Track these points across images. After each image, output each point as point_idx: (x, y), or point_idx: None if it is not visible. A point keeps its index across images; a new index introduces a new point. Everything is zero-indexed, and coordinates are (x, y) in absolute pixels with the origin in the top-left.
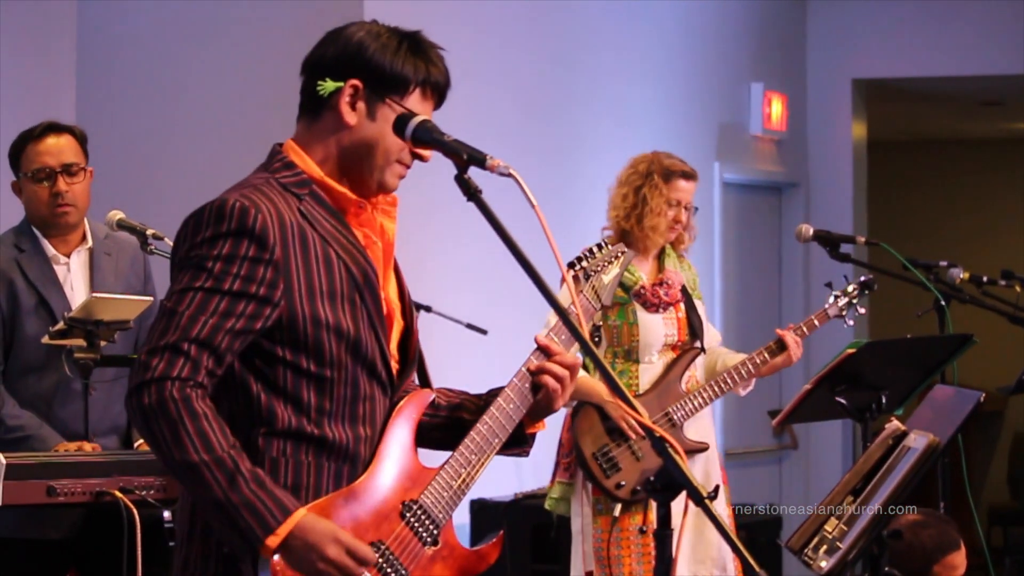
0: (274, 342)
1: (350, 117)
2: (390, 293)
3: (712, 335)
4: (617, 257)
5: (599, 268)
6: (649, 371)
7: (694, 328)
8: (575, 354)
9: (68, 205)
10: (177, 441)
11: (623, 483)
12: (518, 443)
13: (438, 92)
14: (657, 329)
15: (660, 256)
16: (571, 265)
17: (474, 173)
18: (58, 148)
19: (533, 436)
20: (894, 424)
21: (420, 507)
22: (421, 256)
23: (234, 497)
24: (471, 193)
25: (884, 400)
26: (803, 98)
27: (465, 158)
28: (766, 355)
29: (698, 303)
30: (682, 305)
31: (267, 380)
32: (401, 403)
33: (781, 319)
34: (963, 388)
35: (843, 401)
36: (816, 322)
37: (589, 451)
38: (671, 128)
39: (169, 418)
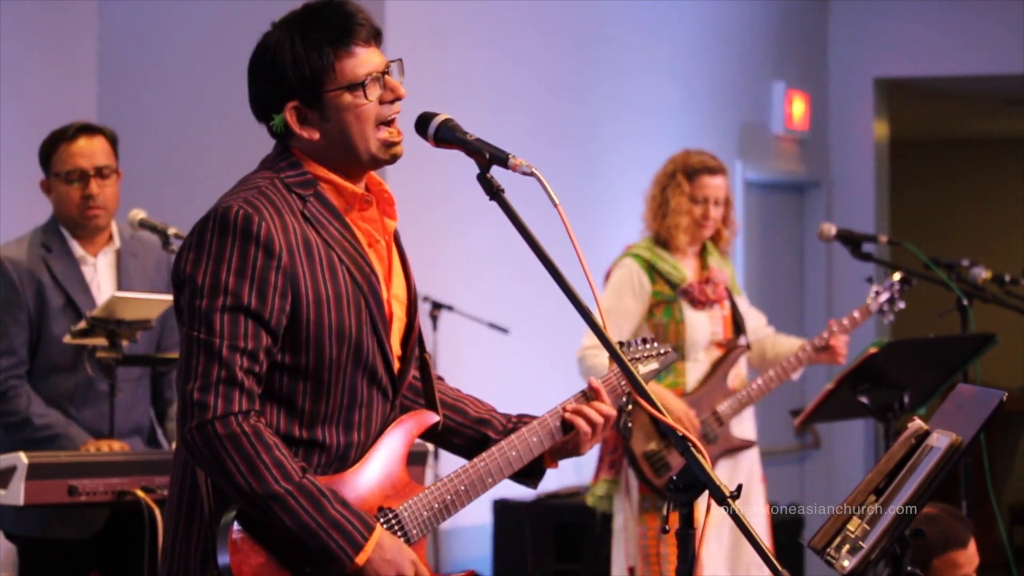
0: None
1: (309, 133)
2: (395, 290)
3: (756, 321)
4: (661, 355)
5: (640, 357)
6: (696, 369)
7: (739, 325)
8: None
9: (99, 208)
10: (256, 473)
11: None
12: (531, 475)
13: (361, 40)
14: (703, 327)
15: (703, 254)
16: (621, 344)
17: (496, 171)
18: (91, 150)
19: (544, 472)
20: (916, 423)
21: (396, 517)
22: (442, 255)
23: (322, 520)
24: (493, 192)
25: (906, 399)
26: (825, 97)
27: (487, 157)
28: (811, 352)
29: (739, 298)
30: (727, 302)
31: (263, 383)
32: (403, 416)
33: (803, 319)
34: (985, 387)
35: (865, 400)
36: (858, 317)
37: (640, 450)
38: (693, 127)
39: (244, 452)
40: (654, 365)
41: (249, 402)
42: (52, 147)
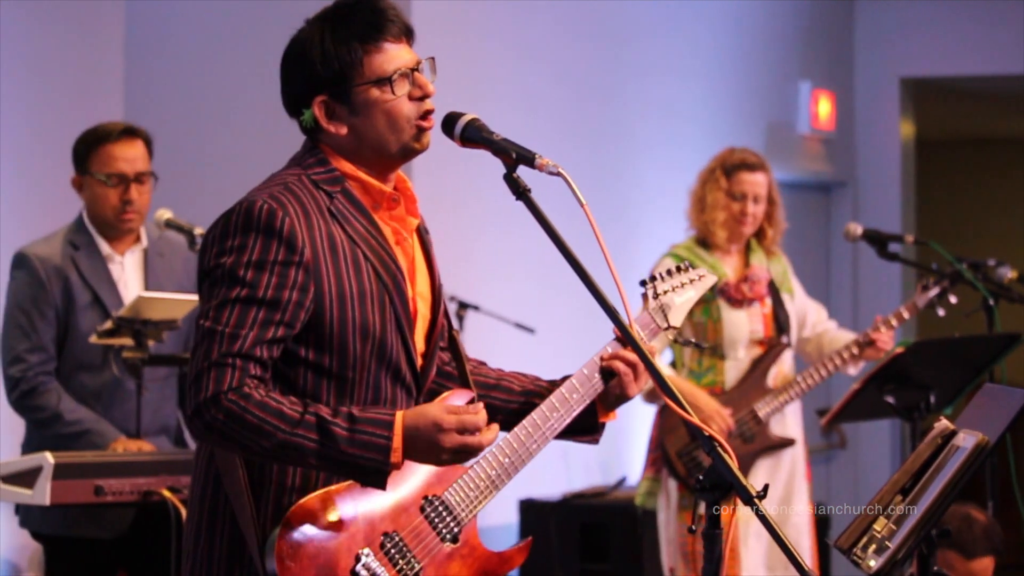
0: (298, 343)
1: (338, 128)
2: (419, 287)
3: (815, 315)
4: (696, 280)
5: (672, 288)
6: (735, 368)
7: (781, 323)
8: (652, 344)
9: (135, 212)
10: (261, 433)
11: None
12: (588, 431)
13: (391, 36)
14: (742, 325)
15: (747, 252)
16: (643, 283)
17: (523, 171)
18: (133, 154)
19: (603, 425)
20: (943, 423)
21: (442, 503)
22: (469, 255)
23: (340, 446)
24: (520, 192)
25: (932, 399)
26: (851, 97)
27: (514, 157)
28: (855, 351)
29: (787, 296)
30: (768, 300)
31: (287, 381)
32: (440, 398)
33: (829, 316)
34: (1011, 387)
35: (892, 400)
36: (905, 313)
37: (674, 449)
38: (719, 126)
39: (243, 421)
40: (691, 293)
41: (240, 377)
42: (92, 146)
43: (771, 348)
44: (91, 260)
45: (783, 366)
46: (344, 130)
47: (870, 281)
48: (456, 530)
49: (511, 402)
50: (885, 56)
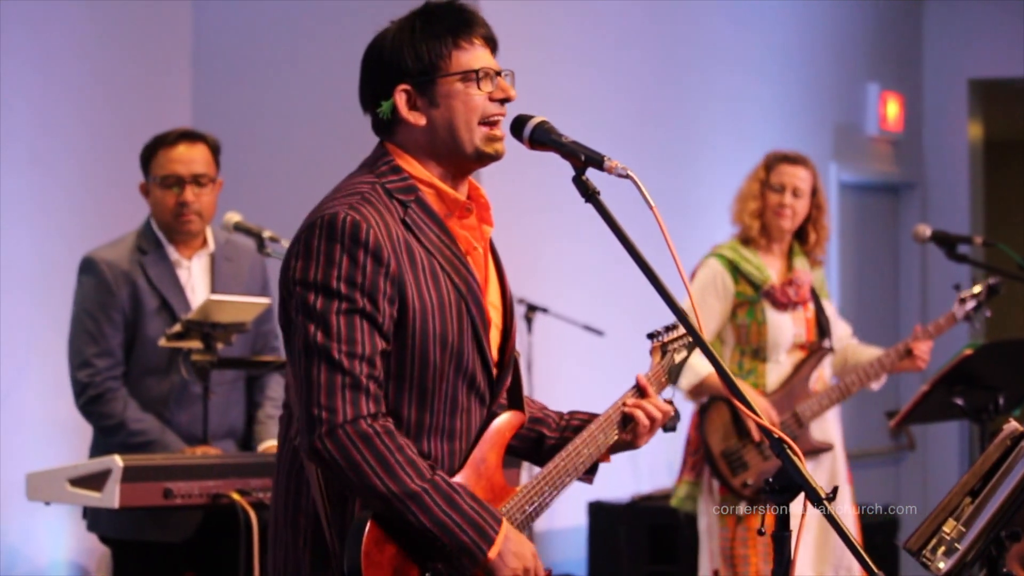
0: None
1: (417, 118)
2: (491, 296)
3: (842, 328)
4: (685, 340)
5: (674, 348)
6: (777, 370)
7: (823, 328)
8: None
9: (193, 214)
10: (391, 473)
11: (749, 482)
12: (588, 471)
13: (480, 37)
14: (786, 328)
15: (789, 255)
16: (651, 336)
17: (591, 173)
18: (190, 157)
19: (598, 467)
20: (1012, 425)
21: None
22: (537, 258)
23: (456, 516)
24: (589, 195)
25: (1001, 401)
26: (919, 98)
27: (583, 159)
28: (895, 357)
29: (826, 303)
30: (811, 305)
31: None
32: (496, 421)
33: (898, 320)
34: None
35: (960, 402)
36: (943, 324)
37: (718, 449)
38: (787, 129)
39: (378, 452)
40: (684, 354)
41: (376, 405)
42: (152, 151)
43: (813, 352)
44: (159, 265)
45: (824, 370)
46: (423, 121)
47: (939, 283)
48: None
49: (549, 437)
50: (953, 57)
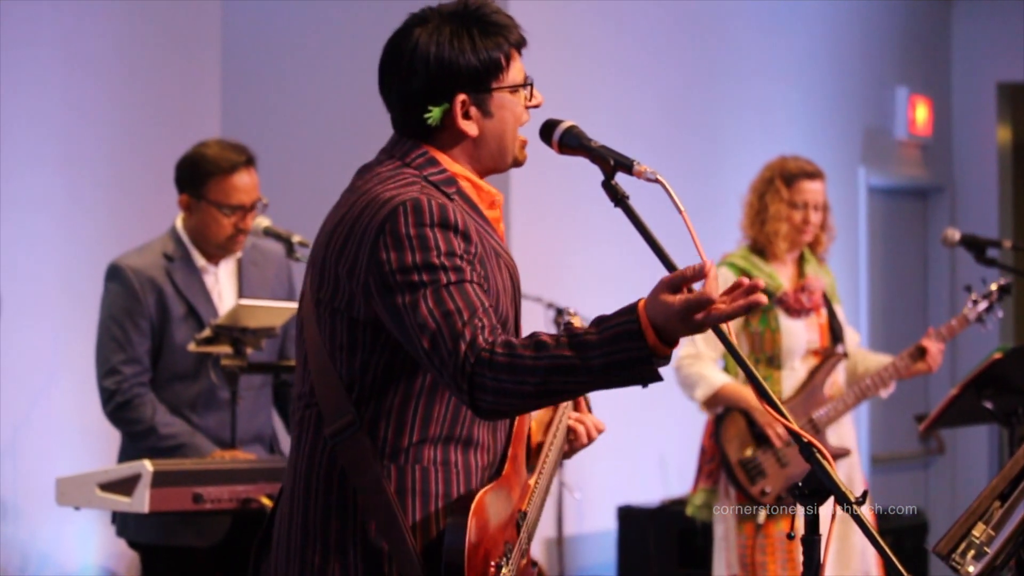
0: None
1: (471, 128)
2: None
3: (850, 337)
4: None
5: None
6: (792, 377)
7: (836, 333)
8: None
9: (245, 237)
10: (535, 372)
11: (768, 490)
12: None
13: (520, 46)
14: (799, 335)
15: (800, 262)
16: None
17: (620, 178)
18: (252, 184)
19: None
20: None
21: (525, 518)
22: (566, 261)
23: (599, 352)
24: (618, 199)
25: None
26: (948, 102)
27: (612, 164)
28: (908, 360)
29: (837, 307)
30: (824, 310)
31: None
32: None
33: (927, 323)
34: None
35: (990, 406)
36: (956, 326)
37: (735, 457)
38: (816, 132)
39: (512, 367)
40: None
41: (493, 331)
42: (212, 175)
43: (827, 358)
44: (185, 271)
45: (838, 376)
46: (475, 131)
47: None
48: (526, 545)
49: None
50: (982, 61)
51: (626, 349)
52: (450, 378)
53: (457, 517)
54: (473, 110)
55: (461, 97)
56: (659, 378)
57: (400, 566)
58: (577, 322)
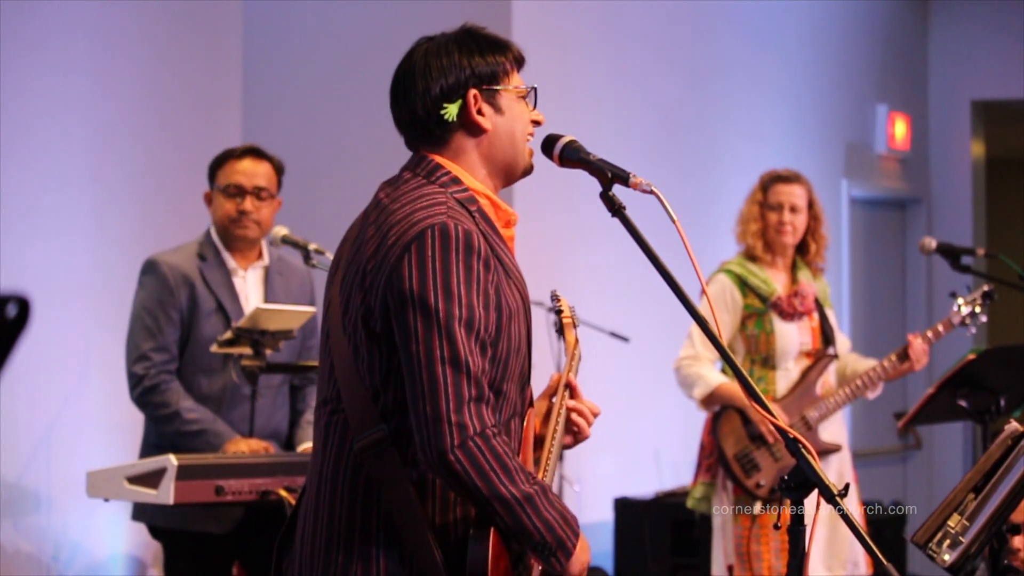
0: None
1: (486, 123)
2: None
3: (842, 342)
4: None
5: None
6: (785, 377)
7: (827, 336)
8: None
9: (250, 222)
10: (511, 479)
11: (762, 483)
12: None
13: (520, 64)
14: (792, 337)
15: (793, 269)
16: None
17: (617, 189)
18: (254, 171)
19: None
20: (1013, 425)
21: None
22: (567, 267)
23: (556, 515)
24: (615, 209)
25: (1003, 403)
26: (925, 118)
27: (609, 176)
28: (895, 360)
29: (829, 312)
30: (816, 314)
31: None
32: (526, 421)
33: (906, 327)
34: None
35: (964, 404)
36: (941, 329)
37: (731, 452)
38: (801, 147)
39: (501, 460)
40: (572, 331)
41: (494, 417)
42: (220, 162)
43: (819, 359)
44: (217, 270)
45: (829, 376)
46: (489, 125)
47: (944, 292)
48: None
49: None
50: (957, 80)
51: (565, 539)
52: (424, 441)
53: (479, 529)
54: (485, 106)
55: (473, 92)
56: (562, 567)
57: (422, 569)
58: (565, 307)
